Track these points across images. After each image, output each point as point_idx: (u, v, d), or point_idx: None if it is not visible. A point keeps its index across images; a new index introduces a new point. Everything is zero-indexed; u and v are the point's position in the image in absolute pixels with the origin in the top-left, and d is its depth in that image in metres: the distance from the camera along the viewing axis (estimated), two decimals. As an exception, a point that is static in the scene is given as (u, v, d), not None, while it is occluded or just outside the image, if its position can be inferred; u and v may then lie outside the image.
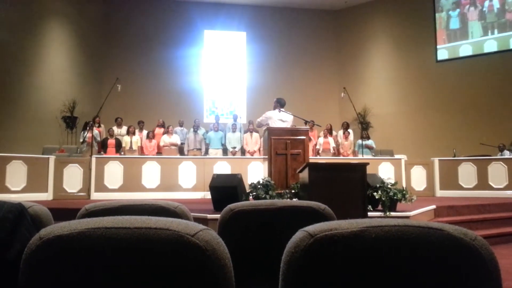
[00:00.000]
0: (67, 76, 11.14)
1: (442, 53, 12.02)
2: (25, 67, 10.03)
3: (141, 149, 8.61)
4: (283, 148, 5.12)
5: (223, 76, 13.40)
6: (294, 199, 4.22)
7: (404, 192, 4.44)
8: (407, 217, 4.37)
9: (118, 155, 7.86)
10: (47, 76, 10.62)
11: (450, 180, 8.03)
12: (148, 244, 0.75)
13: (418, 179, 8.07)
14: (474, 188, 7.81)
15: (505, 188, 7.58)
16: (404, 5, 12.53)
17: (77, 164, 7.11)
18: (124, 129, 9.21)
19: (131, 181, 7.17)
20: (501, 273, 0.79)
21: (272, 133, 5.20)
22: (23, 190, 6.58)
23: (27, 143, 8.93)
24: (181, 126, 10.10)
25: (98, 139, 8.63)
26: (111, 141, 8.54)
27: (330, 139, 9.28)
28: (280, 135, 5.17)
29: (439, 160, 8.22)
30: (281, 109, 5.68)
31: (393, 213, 4.40)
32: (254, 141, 8.76)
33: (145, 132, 9.24)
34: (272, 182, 4.63)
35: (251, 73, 13.29)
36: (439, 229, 0.78)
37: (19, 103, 9.75)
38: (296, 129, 5.41)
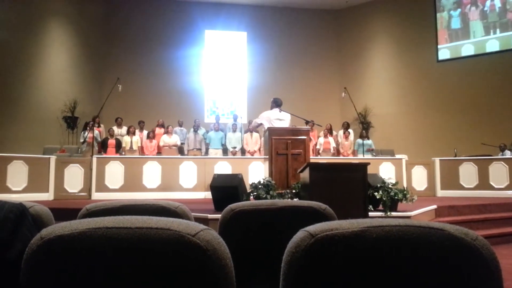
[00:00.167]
0: (67, 76, 11.15)
1: (444, 53, 12.00)
2: (26, 67, 10.05)
3: (141, 149, 8.61)
4: (284, 148, 5.12)
5: (223, 76, 13.41)
6: (295, 199, 4.22)
7: (405, 192, 4.44)
8: (408, 217, 4.37)
9: (118, 155, 7.86)
10: (48, 76, 10.63)
11: (451, 180, 8.02)
12: (149, 244, 0.75)
13: (419, 179, 8.06)
14: (475, 188, 7.80)
15: (506, 188, 7.57)
16: (404, 5, 12.53)
17: (78, 164, 7.12)
18: (124, 129, 9.20)
19: (132, 181, 7.17)
20: (502, 273, 0.79)
21: (273, 133, 5.20)
22: (24, 190, 6.58)
23: (28, 143, 8.95)
24: (180, 126, 10.10)
25: (99, 139, 8.63)
26: (111, 141, 8.54)
27: (331, 139, 9.27)
28: (281, 135, 5.18)
29: (440, 160, 8.21)
30: (278, 109, 5.71)
31: (394, 213, 4.39)
32: (254, 141, 8.76)
33: (145, 132, 9.24)
34: (273, 182, 4.63)
35: (252, 73, 13.29)
36: (440, 229, 0.78)
37: (20, 103, 9.77)
38: (297, 129, 5.41)
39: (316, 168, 3.79)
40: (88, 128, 8.35)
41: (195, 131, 9.30)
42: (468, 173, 7.92)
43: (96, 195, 6.99)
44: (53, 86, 10.66)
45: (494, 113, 10.78)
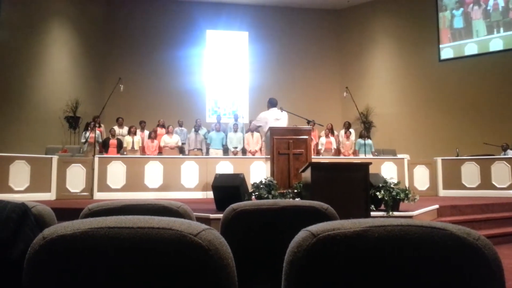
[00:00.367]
0: (69, 76, 11.18)
1: (447, 52, 11.96)
2: (28, 67, 10.07)
3: (142, 149, 8.62)
4: (285, 147, 5.12)
5: (225, 76, 13.41)
6: (297, 199, 4.22)
7: (407, 191, 4.43)
8: (410, 216, 4.36)
9: (120, 155, 7.87)
10: (50, 76, 10.65)
11: (453, 179, 8.00)
12: (151, 243, 0.75)
13: (421, 178, 8.05)
14: (477, 188, 7.78)
15: (508, 188, 7.55)
16: (406, 4, 12.50)
17: (80, 164, 7.13)
18: (125, 129, 9.21)
19: (134, 181, 7.18)
20: (505, 273, 0.78)
21: (274, 132, 5.21)
22: (26, 190, 6.60)
23: (30, 143, 8.97)
24: (180, 126, 10.10)
25: (100, 139, 8.64)
26: (113, 141, 8.56)
27: (332, 139, 9.26)
28: (283, 135, 5.18)
29: (442, 159, 8.19)
30: (276, 108, 5.75)
31: (396, 213, 4.39)
32: (255, 141, 8.76)
33: (146, 132, 9.24)
34: (275, 181, 4.64)
35: (253, 72, 13.29)
36: (442, 228, 0.78)
37: (21, 103, 9.79)
38: (298, 129, 5.41)
39: (317, 167, 3.79)
40: (89, 128, 8.36)
41: (196, 131, 9.30)
42: (470, 172, 7.91)
43: (98, 195, 7.01)
44: (55, 86, 10.69)
45: (496, 113, 10.75)
